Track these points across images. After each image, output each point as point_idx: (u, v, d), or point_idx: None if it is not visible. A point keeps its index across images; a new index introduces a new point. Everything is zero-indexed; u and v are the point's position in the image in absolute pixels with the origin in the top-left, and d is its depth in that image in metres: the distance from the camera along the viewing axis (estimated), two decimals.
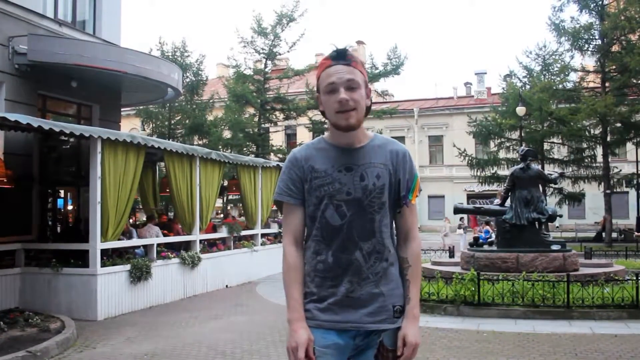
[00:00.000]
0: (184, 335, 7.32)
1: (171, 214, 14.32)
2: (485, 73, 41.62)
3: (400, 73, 25.23)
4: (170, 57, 23.05)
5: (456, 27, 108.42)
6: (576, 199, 24.41)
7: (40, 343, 6.34)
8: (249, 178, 13.47)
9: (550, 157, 24.67)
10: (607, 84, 22.21)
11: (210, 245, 12.15)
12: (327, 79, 2.05)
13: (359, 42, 40.50)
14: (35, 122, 7.83)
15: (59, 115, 11.99)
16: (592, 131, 23.18)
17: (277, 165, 14.71)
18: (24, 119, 7.76)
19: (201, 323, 8.20)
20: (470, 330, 7.30)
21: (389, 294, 2.07)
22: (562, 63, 23.43)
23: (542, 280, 8.55)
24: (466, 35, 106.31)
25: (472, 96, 40.84)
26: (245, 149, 24.47)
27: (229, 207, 26.42)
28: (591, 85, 24.01)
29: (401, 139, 35.75)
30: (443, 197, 37.39)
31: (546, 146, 24.50)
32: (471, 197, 35.99)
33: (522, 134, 23.26)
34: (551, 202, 20.49)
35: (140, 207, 15.02)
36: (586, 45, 22.45)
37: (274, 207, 16.64)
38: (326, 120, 2.14)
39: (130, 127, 28.66)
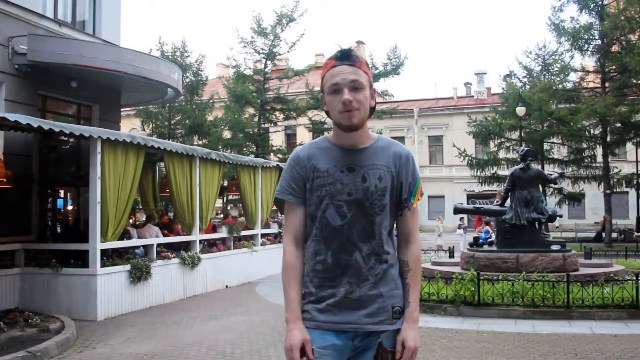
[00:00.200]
0: (184, 336, 7.32)
1: (171, 214, 14.32)
2: (485, 73, 41.68)
3: (400, 73, 25.24)
4: (170, 57, 23.07)
5: (456, 27, 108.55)
6: (576, 199, 24.42)
7: (40, 343, 6.34)
8: (248, 178, 13.47)
9: (550, 157, 24.68)
10: (607, 84, 22.20)
11: (210, 246, 12.15)
12: (331, 80, 2.04)
13: (359, 42, 40.46)
14: (35, 122, 7.83)
15: (58, 115, 11.99)
16: (592, 131, 23.18)
17: (277, 165, 14.71)
18: (23, 119, 7.76)
19: (201, 323, 8.20)
20: (470, 331, 7.30)
21: (388, 295, 2.06)
22: (562, 63, 23.43)
23: (542, 280, 8.55)
24: (466, 35, 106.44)
25: (472, 96, 40.86)
26: (245, 149, 24.48)
27: (228, 207, 26.40)
28: (591, 85, 24.01)
29: (401, 139, 35.75)
30: (443, 197, 37.40)
31: (546, 146, 24.51)
32: (471, 197, 36.03)
33: (522, 134, 23.26)
34: (551, 202, 20.48)
35: (140, 207, 15.01)
36: (586, 46, 22.44)
37: (274, 207, 16.66)
38: (326, 121, 2.15)
39: (130, 127, 28.66)
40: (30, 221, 10.18)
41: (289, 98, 25.22)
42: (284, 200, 2.15)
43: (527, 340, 6.74)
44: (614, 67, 21.95)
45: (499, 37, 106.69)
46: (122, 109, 14.10)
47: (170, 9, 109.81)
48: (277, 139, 31.34)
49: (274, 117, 25.68)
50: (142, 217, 15.81)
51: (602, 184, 22.99)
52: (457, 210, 12.86)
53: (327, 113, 2.12)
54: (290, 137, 36.55)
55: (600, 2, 22.07)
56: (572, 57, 23.53)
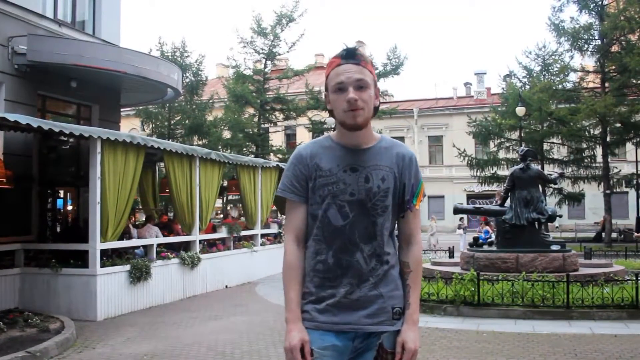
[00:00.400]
0: (184, 336, 7.32)
1: (171, 214, 14.32)
2: (485, 73, 41.70)
3: (400, 73, 25.30)
4: (170, 57, 23.07)
5: (456, 27, 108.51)
6: (576, 199, 24.42)
7: (39, 343, 6.33)
8: (248, 178, 13.47)
9: (550, 157, 24.69)
10: (606, 84, 22.21)
11: (209, 246, 12.15)
12: (336, 78, 2.02)
13: (359, 42, 40.47)
14: (35, 122, 7.82)
15: (58, 115, 11.99)
16: (591, 131, 23.19)
17: (277, 165, 14.71)
18: (23, 119, 7.75)
19: (201, 323, 8.20)
20: (470, 331, 7.30)
21: (388, 296, 2.05)
22: (562, 63, 23.44)
23: (541, 280, 8.55)
24: (466, 35, 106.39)
25: (472, 96, 40.88)
26: (245, 149, 24.48)
27: (228, 208, 26.40)
28: (591, 85, 24.02)
29: (401, 139, 35.54)
30: (443, 197, 37.40)
31: (546, 146, 24.51)
32: (471, 197, 36.04)
33: (522, 134, 23.27)
34: (551, 202, 20.47)
35: (140, 207, 15.02)
36: (586, 46, 22.46)
37: (274, 207, 16.65)
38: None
39: (130, 127, 28.64)
40: (30, 221, 10.18)
41: (288, 98, 25.23)
42: (286, 198, 2.13)
43: (527, 341, 6.74)
44: (613, 67, 21.96)
45: (499, 37, 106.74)
46: (121, 109, 14.10)
47: (170, 9, 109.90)
48: (277, 139, 31.35)
49: (274, 117, 25.68)
50: (142, 217, 15.81)
51: (602, 184, 23.00)
52: (457, 211, 12.86)
53: (331, 112, 2.10)
54: (290, 137, 36.56)
55: (600, 2, 22.08)
56: (572, 57, 23.60)
